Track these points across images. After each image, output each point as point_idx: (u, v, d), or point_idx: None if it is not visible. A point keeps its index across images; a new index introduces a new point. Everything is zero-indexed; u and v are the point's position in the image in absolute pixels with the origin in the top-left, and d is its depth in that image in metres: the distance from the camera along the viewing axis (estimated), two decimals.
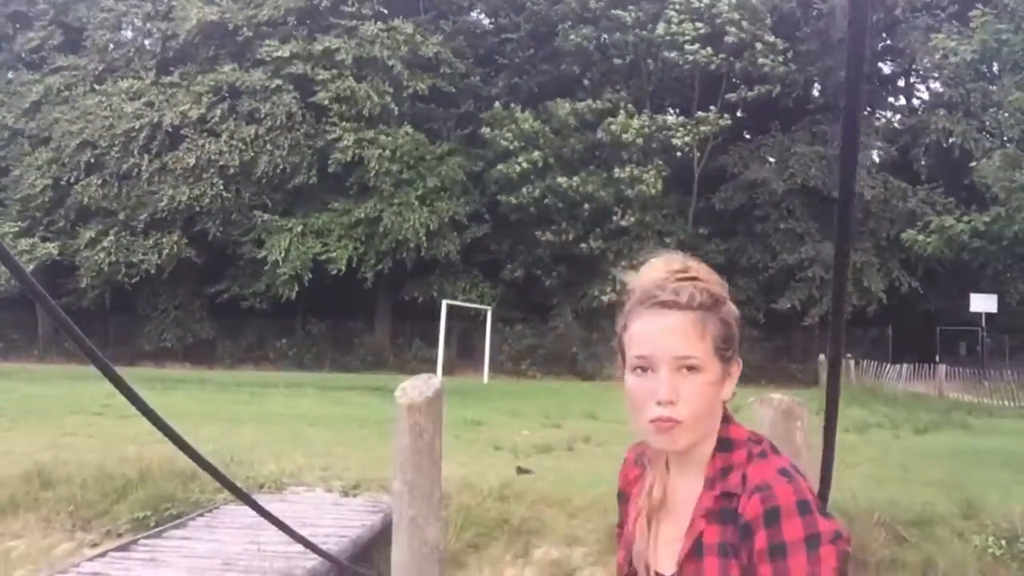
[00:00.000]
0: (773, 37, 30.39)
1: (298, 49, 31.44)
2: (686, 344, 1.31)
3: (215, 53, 33.25)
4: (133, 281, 31.22)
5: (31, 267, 28.27)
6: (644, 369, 1.32)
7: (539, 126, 30.55)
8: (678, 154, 30.51)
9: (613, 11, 30.63)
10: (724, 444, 1.36)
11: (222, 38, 33.17)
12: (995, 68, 25.87)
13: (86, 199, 31.24)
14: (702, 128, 29.68)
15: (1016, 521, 7.73)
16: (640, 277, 1.41)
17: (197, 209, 30.60)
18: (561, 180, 29.79)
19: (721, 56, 29.57)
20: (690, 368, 1.31)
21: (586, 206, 30.20)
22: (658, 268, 1.41)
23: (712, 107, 30.44)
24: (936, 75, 32.44)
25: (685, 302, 1.33)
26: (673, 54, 29.63)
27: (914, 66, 33.99)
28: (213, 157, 30.53)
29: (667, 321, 1.32)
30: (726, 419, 1.40)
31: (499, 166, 30.53)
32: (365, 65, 31.22)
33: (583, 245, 30.42)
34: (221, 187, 30.53)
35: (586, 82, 32.64)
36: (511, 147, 30.36)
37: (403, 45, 31.36)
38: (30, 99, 33.41)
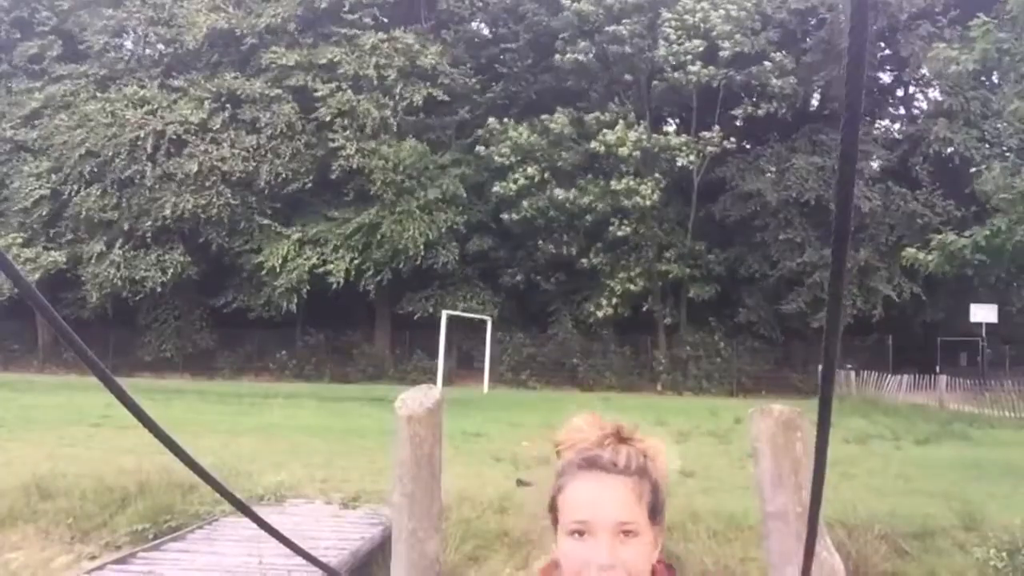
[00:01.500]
0: (772, 49, 30.51)
1: (299, 58, 31.56)
2: (626, 510, 1.31)
3: (217, 60, 33.38)
4: (138, 298, 31.29)
5: (36, 277, 28.29)
6: (582, 534, 1.31)
7: (535, 139, 30.61)
8: (677, 165, 30.58)
9: (608, 27, 30.70)
10: None
11: (224, 45, 33.30)
12: (995, 78, 25.97)
13: (88, 208, 31.24)
14: (709, 148, 29.73)
15: (1018, 533, 7.70)
16: (572, 436, 1.40)
17: (202, 217, 30.64)
18: (559, 192, 29.84)
19: (722, 71, 29.66)
20: (627, 533, 1.30)
21: (587, 218, 30.25)
22: (591, 428, 1.39)
23: (712, 123, 30.47)
24: (936, 84, 32.52)
25: (623, 466, 1.33)
26: (676, 74, 29.71)
27: (914, 75, 34.08)
28: (216, 163, 30.59)
29: (607, 485, 1.32)
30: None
31: (497, 184, 30.59)
32: (365, 76, 31.31)
33: (583, 260, 30.51)
34: (228, 195, 30.59)
35: (593, 95, 32.73)
36: (507, 162, 30.45)
37: (403, 55, 31.47)
38: (31, 107, 33.49)
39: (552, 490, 1.39)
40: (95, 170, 31.44)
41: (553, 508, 1.38)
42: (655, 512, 1.35)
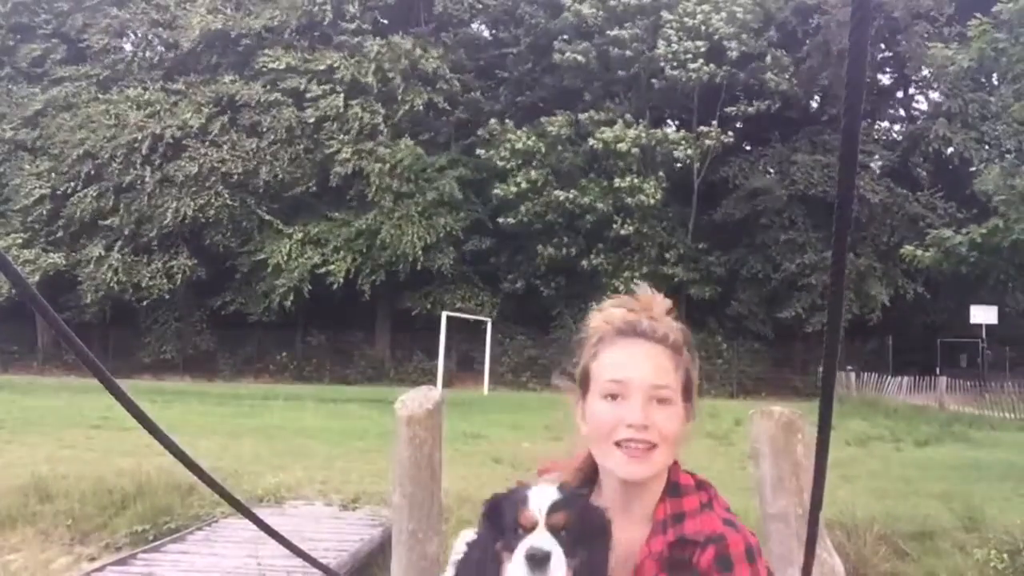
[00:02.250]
0: (773, 49, 30.54)
1: (297, 62, 31.56)
2: (662, 374, 1.33)
3: (217, 62, 33.38)
4: (143, 304, 31.31)
5: (35, 278, 28.28)
6: (615, 396, 1.33)
7: (535, 142, 30.60)
8: (677, 165, 30.58)
9: (609, 31, 30.74)
10: (673, 488, 1.37)
11: (224, 47, 33.30)
12: (994, 79, 25.97)
13: (88, 210, 31.24)
14: (707, 142, 29.75)
15: (1018, 534, 7.69)
16: (612, 311, 1.43)
17: (202, 221, 30.62)
18: (559, 193, 29.84)
19: (724, 69, 29.69)
20: (661, 400, 1.32)
21: (587, 218, 30.23)
22: (633, 303, 1.43)
23: (712, 120, 30.54)
24: (935, 85, 32.57)
25: (661, 335, 1.36)
26: (676, 72, 29.73)
27: (913, 76, 34.11)
28: (215, 165, 30.60)
29: (645, 350, 1.35)
30: (674, 463, 1.41)
31: (497, 187, 30.58)
32: (362, 83, 31.28)
33: (584, 261, 30.49)
34: (227, 196, 30.59)
35: (587, 96, 32.76)
36: (508, 166, 30.45)
37: (402, 59, 31.47)
38: (33, 108, 33.50)
39: (585, 358, 1.40)
40: (93, 172, 31.45)
41: (584, 378, 1.40)
42: (688, 389, 1.38)
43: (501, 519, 1.27)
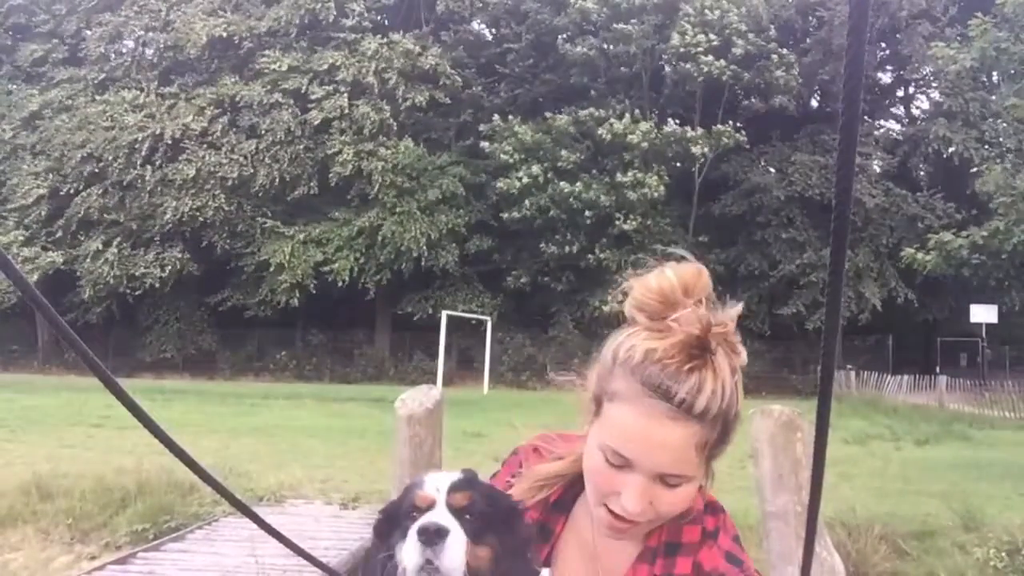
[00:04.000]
0: (780, 47, 30.56)
1: (298, 63, 31.56)
2: (679, 464, 1.06)
3: (216, 65, 33.38)
4: (136, 294, 31.24)
5: (34, 277, 28.32)
6: (617, 466, 1.08)
7: (539, 137, 30.62)
8: (678, 164, 30.55)
9: (615, 24, 30.75)
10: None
11: (224, 50, 33.30)
12: (995, 78, 25.97)
13: (88, 210, 31.26)
14: (723, 140, 29.77)
15: (1017, 533, 7.69)
16: (647, 343, 1.07)
17: (200, 220, 30.63)
18: (563, 185, 29.84)
19: (733, 67, 29.71)
20: (672, 484, 1.08)
21: (587, 213, 30.21)
22: (685, 323, 1.07)
23: (716, 118, 30.56)
24: (935, 84, 32.56)
25: (699, 411, 1.03)
26: (688, 65, 29.72)
27: (914, 75, 34.11)
28: (213, 168, 30.61)
29: (667, 431, 1.04)
30: None
31: (499, 181, 30.57)
32: (364, 82, 31.30)
33: (589, 256, 30.45)
34: (223, 199, 30.60)
35: (592, 92, 32.78)
36: (511, 160, 30.43)
37: (403, 58, 31.46)
38: (30, 109, 33.51)
39: (599, 384, 1.12)
40: (95, 172, 31.46)
41: (598, 401, 1.13)
42: (718, 446, 1.09)
43: (395, 520, 1.11)
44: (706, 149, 29.78)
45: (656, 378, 1.04)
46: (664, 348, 1.05)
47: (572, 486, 1.23)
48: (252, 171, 30.81)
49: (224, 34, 32.12)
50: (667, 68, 31.50)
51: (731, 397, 1.06)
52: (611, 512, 1.10)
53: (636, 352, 1.07)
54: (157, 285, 30.97)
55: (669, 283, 1.10)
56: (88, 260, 31.07)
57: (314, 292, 30.87)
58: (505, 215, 30.77)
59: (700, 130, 30.54)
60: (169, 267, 30.92)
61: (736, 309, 1.14)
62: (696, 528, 1.15)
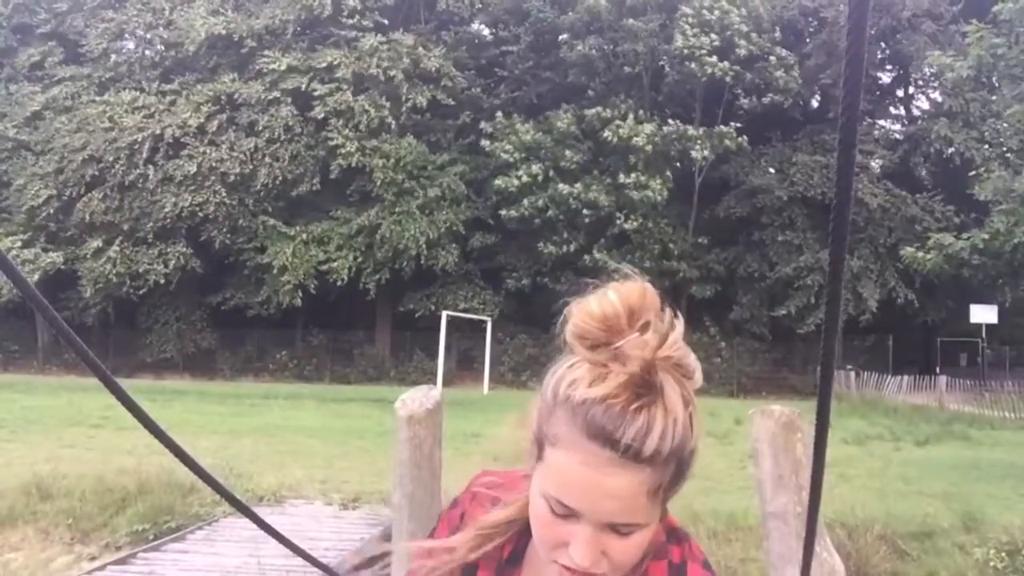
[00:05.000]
0: (781, 48, 30.57)
1: (297, 62, 31.57)
2: (628, 513, 0.94)
3: (216, 63, 33.39)
4: (140, 293, 31.25)
5: (35, 277, 28.34)
6: (562, 516, 0.96)
7: (540, 136, 30.63)
8: (678, 164, 30.54)
9: (622, 21, 30.78)
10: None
11: (224, 48, 33.31)
12: (994, 79, 25.96)
13: (90, 211, 31.25)
14: (725, 142, 29.77)
15: (1017, 534, 7.70)
16: (586, 384, 0.94)
17: (201, 216, 30.65)
18: (563, 187, 29.84)
19: (735, 67, 29.71)
20: (624, 534, 0.96)
21: (585, 212, 30.20)
22: (630, 352, 0.94)
23: (718, 118, 30.57)
24: (936, 85, 32.56)
25: (648, 456, 0.91)
26: (692, 65, 29.72)
27: (914, 76, 34.11)
28: (214, 165, 30.62)
29: (615, 481, 0.92)
30: None
31: (499, 179, 30.57)
32: (365, 79, 31.33)
33: (587, 257, 30.45)
34: (224, 195, 30.62)
35: (590, 92, 32.79)
36: (511, 159, 30.44)
37: (404, 57, 31.48)
38: (31, 108, 33.51)
39: (541, 417, 0.98)
40: (96, 174, 31.45)
41: (539, 443, 0.99)
42: (672, 488, 0.98)
43: None
44: (706, 152, 29.78)
45: (599, 421, 0.92)
46: (607, 388, 0.92)
47: (522, 535, 1.11)
48: (252, 168, 30.82)
49: (223, 30, 32.11)
50: (668, 68, 31.48)
51: (684, 433, 0.93)
52: (564, 567, 0.98)
53: (577, 391, 0.94)
54: (162, 282, 30.92)
55: (612, 307, 0.96)
56: (90, 259, 31.05)
57: (314, 292, 30.88)
58: (503, 212, 30.76)
59: (702, 129, 30.57)
60: (173, 262, 30.91)
61: (681, 327, 0.98)
62: (662, 563, 1.05)
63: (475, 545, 1.11)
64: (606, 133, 29.75)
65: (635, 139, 29.13)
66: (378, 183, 30.59)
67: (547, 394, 0.98)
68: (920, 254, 18.10)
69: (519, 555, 1.11)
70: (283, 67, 31.28)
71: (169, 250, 31.14)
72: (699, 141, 29.75)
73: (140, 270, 30.82)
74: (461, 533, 1.13)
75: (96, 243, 31.11)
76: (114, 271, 30.59)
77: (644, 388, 0.92)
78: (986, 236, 16.37)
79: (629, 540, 0.96)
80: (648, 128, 29.43)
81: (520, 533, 1.11)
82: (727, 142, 29.60)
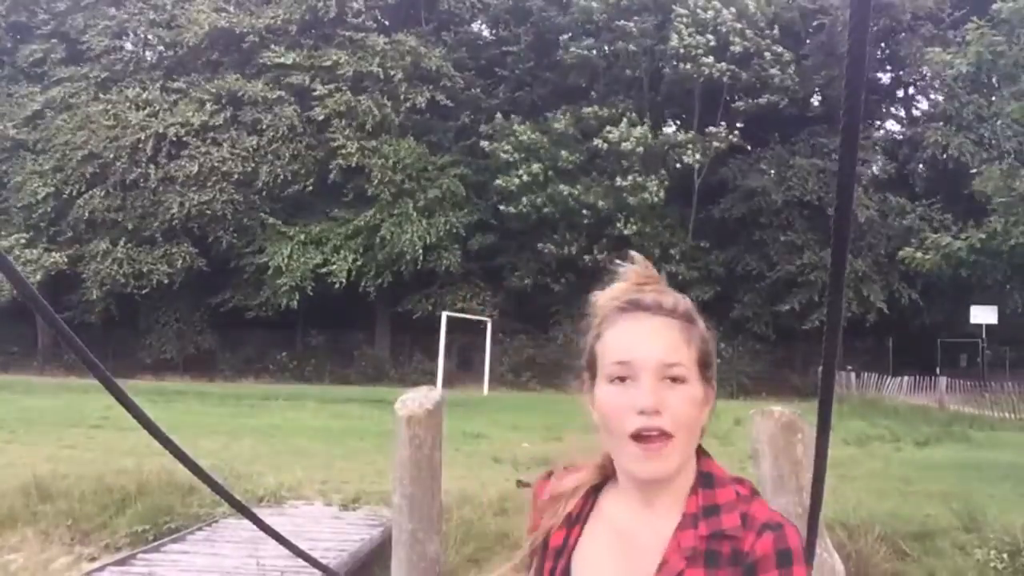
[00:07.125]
0: (779, 48, 30.54)
1: (300, 59, 31.58)
2: (672, 349, 1.18)
3: (218, 60, 33.38)
4: (144, 292, 31.24)
5: (37, 277, 28.35)
6: (623, 379, 1.18)
7: (538, 137, 30.63)
8: (677, 165, 30.53)
9: (617, 22, 30.76)
10: (705, 479, 1.22)
11: (226, 46, 33.31)
12: (993, 80, 25.95)
13: (90, 209, 31.25)
14: (715, 144, 29.74)
15: (1018, 535, 7.69)
16: (614, 287, 1.29)
17: (207, 214, 30.66)
18: (563, 188, 29.83)
19: (730, 67, 29.68)
20: (675, 379, 1.17)
21: (584, 212, 30.19)
22: (633, 275, 1.29)
23: (716, 118, 30.57)
24: (935, 86, 32.53)
25: (669, 308, 1.22)
26: (688, 66, 29.70)
27: (912, 77, 34.08)
28: (216, 164, 30.64)
29: (652, 325, 1.20)
30: (702, 452, 1.26)
31: (499, 179, 30.58)
32: (366, 78, 31.35)
33: (586, 258, 30.44)
34: (232, 191, 30.67)
35: (593, 93, 32.78)
36: (511, 159, 30.44)
37: (406, 56, 31.49)
38: (32, 108, 33.48)
39: (590, 341, 1.26)
40: (97, 172, 31.44)
41: (591, 360, 1.25)
42: (705, 364, 1.22)
43: None
44: (698, 155, 29.76)
45: (629, 296, 1.24)
46: (627, 283, 1.27)
47: (590, 496, 1.30)
48: (253, 167, 30.82)
49: (226, 25, 32.11)
50: (666, 69, 31.45)
51: (692, 308, 1.25)
52: (638, 437, 1.16)
53: (613, 292, 1.27)
54: (166, 281, 30.94)
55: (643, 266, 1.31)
56: (95, 260, 31.04)
57: (312, 293, 30.87)
58: (503, 208, 30.74)
59: (691, 134, 30.58)
60: (180, 262, 30.94)
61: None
62: (730, 490, 1.21)
63: (552, 506, 1.31)
64: (596, 141, 29.77)
65: (624, 144, 29.12)
66: (376, 183, 30.58)
67: (591, 314, 1.28)
68: (919, 255, 18.12)
69: (584, 514, 1.30)
70: (289, 61, 31.28)
71: (175, 250, 31.16)
72: (690, 145, 29.74)
73: (144, 270, 30.86)
74: (545, 501, 1.33)
75: (104, 244, 31.13)
76: (120, 271, 30.63)
77: (652, 280, 1.27)
78: (983, 236, 16.39)
79: (683, 391, 1.18)
80: (638, 131, 29.39)
81: (587, 496, 1.30)
82: (716, 144, 29.57)
